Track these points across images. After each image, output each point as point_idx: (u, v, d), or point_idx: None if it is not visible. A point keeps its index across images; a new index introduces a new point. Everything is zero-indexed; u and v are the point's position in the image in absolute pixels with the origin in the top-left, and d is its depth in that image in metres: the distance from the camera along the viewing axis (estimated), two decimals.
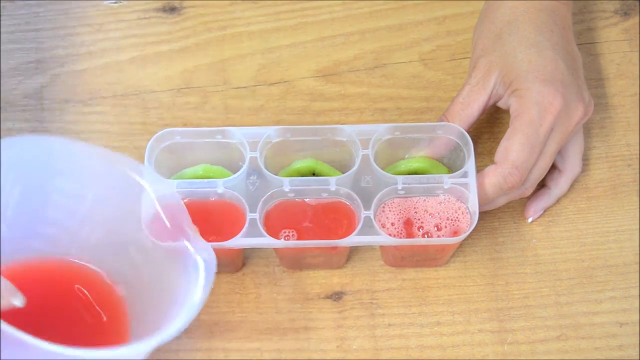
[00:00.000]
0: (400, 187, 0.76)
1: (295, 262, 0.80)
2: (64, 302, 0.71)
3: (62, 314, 0.71)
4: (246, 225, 0.75)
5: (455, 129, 0.78)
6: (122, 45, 0.90)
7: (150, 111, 0.87)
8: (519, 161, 0.75)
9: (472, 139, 0.77)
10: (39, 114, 0.86)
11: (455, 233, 0.76)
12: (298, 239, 0.76)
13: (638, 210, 0.83)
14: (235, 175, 0.77)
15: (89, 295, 0.71)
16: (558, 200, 0.83)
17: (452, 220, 0.77)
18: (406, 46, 0.90)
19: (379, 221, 0.76)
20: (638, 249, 0.82)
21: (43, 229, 0.71)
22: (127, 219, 0.70)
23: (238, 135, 0.78)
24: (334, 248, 0.77)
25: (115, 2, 0.91)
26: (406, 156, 0.80)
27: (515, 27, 0.79)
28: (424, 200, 0.77)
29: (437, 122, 0.79)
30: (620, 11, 0.90)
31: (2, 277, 0.60)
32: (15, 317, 0.58)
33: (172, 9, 0.91)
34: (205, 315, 0.80)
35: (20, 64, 0.88)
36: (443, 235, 0.76)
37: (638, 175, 0.84)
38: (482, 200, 0.76)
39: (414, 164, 0.79)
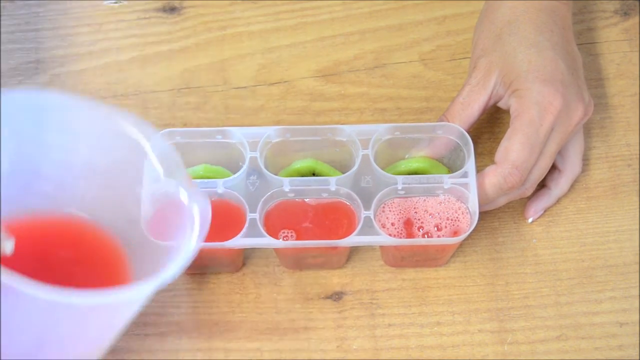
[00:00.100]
0: (400, 187, 0.76)
1: (295, 262, 0.80)
2: (63, 255, 0.71)
3: (62, 266, 0.70)
4: (246, 225, 0.75)
5: (455, 129, 0.78)
6: (122, 45, 0.90)
7: (150, 111, 0.87)
8: (519, 161, 0.75)
9: (472, 139, 0.77)
10: None
11: (455, 233, 0.76)
12: (298, 239, 0.76)
13: (638, 210, 0.83)
14: (235, 175, 0.77)
15: (88, 249, 0.71)
16: (558, 200, 0.83)
17: (452, 220, 0.77)
18: (406, 46, 0.90)
19: (379, 221, 0.76)
20: (638, 249, 0.82)
21: (39, 185, 0.70)
22: (124, 171, 0.69)
23: (238, 135, 0.78)
24: (334, 248, 0.77)
25: (115, 2, 0.91)
26: (406, 156, 0.80)
27: (516, 27, 0.79)
28: (424, 200, 0.77)
29: (437, 122, 0.79)
30: (620, 11, 0.90)
31: None
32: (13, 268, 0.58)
33: (172, 9, 0.91)
34: (205, 315, 0.80)
35: (20, 64, 0.88)
36: (443, 236, 0.76)
37: (638, 175, 0.84)
38: (482, 200, 0.76)
39: (414, 164, 0.79)
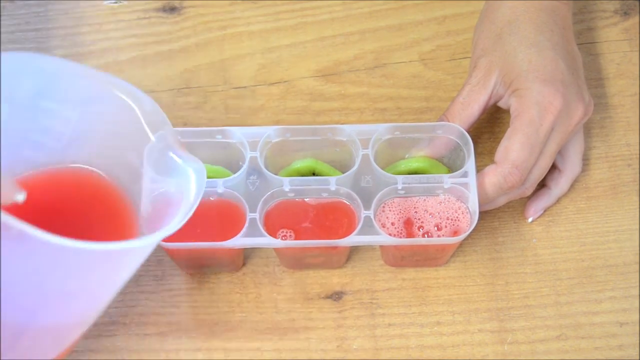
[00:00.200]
0: (400, 187, 0.76)
1: (295, 262, 0.80)
2: (74, 207, 0.71)
3: (73, 218, 0.71)
4: (246, 225, 0.75)
5: (455, 128, 0.78)
6: (122, 45, 0.90)
7: None
8: (519, 161, 0.75)
9: (472, 139, 0.77)
10: None
11: (455, 233, 0.76)
12: (298, 238, 0.76)
13: (638, 210, 0.83)
14: (235, 175, 0.77)
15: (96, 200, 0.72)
16: (558, 200, 0.83)
17: (452, 220, 0.77)
18: (406, 46, 0.90)
19: (379, 221, 0.76)
20: (638, 249, 0.82)
21: (32, 147, 0.71)
22: (122, 134, 0.70)
23: (238, 135, 0.78)
24: (334, 248, 0.77)
25: (115, 2, 0.91)
26: (406, 156, 0.80)
27: (516, 27, 0.79)
28: (424, 200, 0.77)
29: (437, 122, 0.79)
30: (620, 11, 0.90)
31: (1, 172, 0.60)
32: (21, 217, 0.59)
33: (172, 9, 0.91)
34: (205, 315, 0.80)
35: None
36: (443, 235, 0.76)
37: (638, 175, 0.84)
38: (482, 200, 0.76)
39: (414, 164, 0.79)
